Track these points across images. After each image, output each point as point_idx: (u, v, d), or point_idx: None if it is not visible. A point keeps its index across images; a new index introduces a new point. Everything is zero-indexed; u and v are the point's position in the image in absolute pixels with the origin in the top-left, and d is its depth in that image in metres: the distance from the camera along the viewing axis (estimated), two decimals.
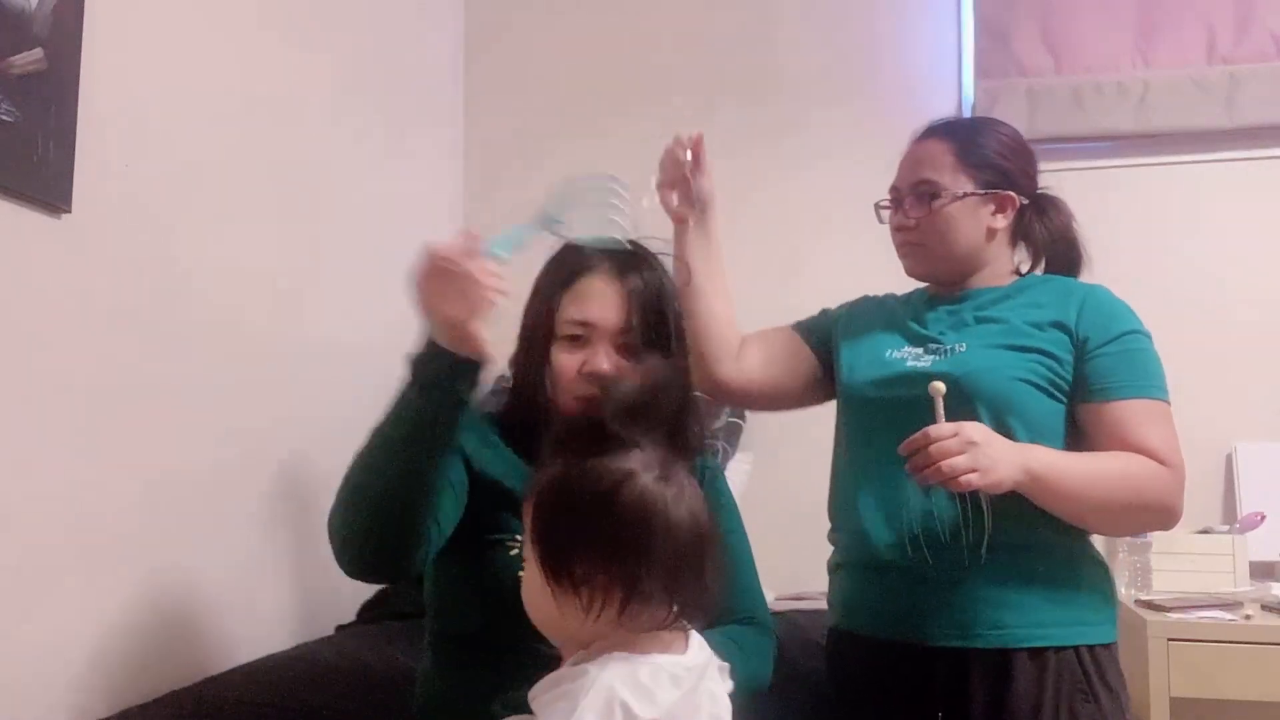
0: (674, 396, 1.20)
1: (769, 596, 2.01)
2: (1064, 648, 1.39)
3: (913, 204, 1.51)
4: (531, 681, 0.94)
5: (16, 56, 1.31)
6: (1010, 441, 1.34)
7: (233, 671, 1.63)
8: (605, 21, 2.85)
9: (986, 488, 1.28)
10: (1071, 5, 2.59)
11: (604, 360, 1.25)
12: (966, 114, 2.62)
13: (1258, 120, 2.48)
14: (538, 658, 0.99)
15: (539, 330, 1.29)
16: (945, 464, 1.25)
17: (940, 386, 1.31)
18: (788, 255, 2.68)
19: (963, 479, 1.26)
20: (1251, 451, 2.43)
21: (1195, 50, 2.52)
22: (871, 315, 1.64)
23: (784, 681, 1.36)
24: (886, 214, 1.59)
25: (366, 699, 1.55)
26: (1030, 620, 1.39)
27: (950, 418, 1.31)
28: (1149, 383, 1.43)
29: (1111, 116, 2.55)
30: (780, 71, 2.74)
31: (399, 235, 2.48)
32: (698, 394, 1.49)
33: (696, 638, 0.99)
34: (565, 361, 1.27)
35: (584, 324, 1.27)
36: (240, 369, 1.79)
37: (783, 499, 2.26)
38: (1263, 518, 2.30)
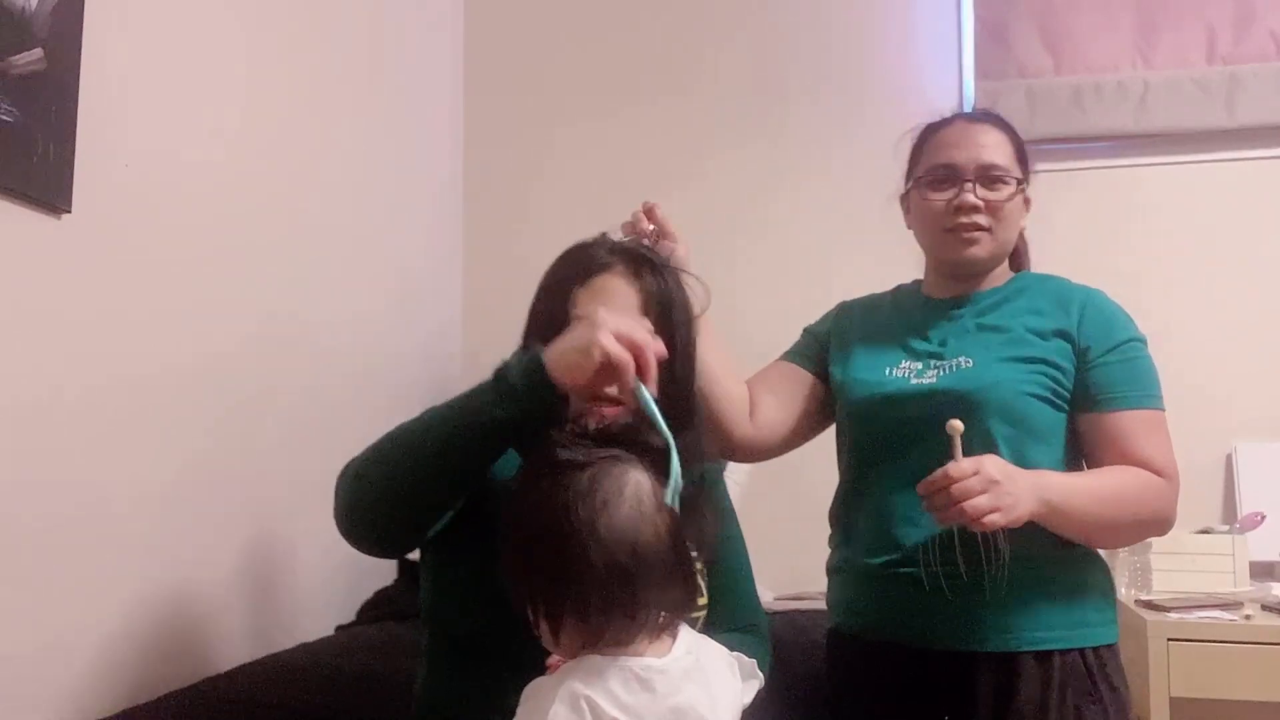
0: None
1: (769, 596, 2.01)
2: (1069, 649, 1.39)
3: (985, 187, 1.46)
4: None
5: (16, 56, 1.31)
6: (1026, 472, 1.32)
7: (233, 671, 1.63)
8: (605, 32, 2.85)
9: (1008, 525, 1.27)
10: (1071, 5, 2.59)
11: None
12: None
13: (1258, 120, 2.48)
14: (535, 664, 1.00)
15: (551, 327, 1.27)
16: (968, 505, 1.24)
17: (958, 425, 1.28)
18: (786, 256, 2.68)
19: (986, 519, 1.24)
20: (1251, 451, 2.43)
21: (1195, 50, 2.52)
22: (862, 326, 1.62)
23: (784, 681, 1.36)
24: (920, 192, 1.51)
25: (366, 699, 1.54)
26: (1036, 624, 1.39)
27: (964, 433, 1.29)
28: (1148, 392, 1.44)
29: (1111, 116, 2.55)
30: (780, 72, 2.74)
31: (401, 232, 2.48)
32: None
33: (686, 641, 0.99)
34: None
35: None
36: (241, 370, 1.79)
37: (782, 499, 2.26)
38: (1263, 518, 2.30)
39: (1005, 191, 1.46)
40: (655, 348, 1.09)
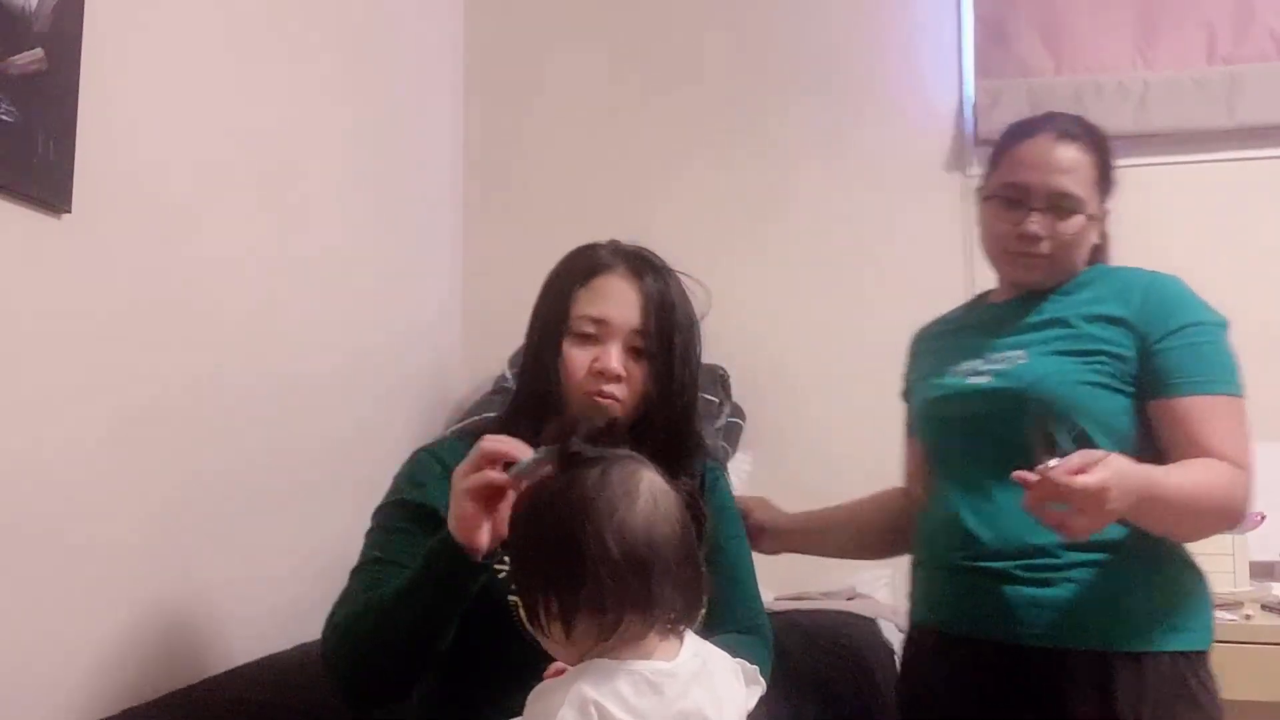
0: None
1: (769, 596, 2.01)
2: (1164, 652, 1.34)
3: (1050, 216, 1.43)
4: (528, 689, 0.95)
5: (16, 56, 1.31)
6: (1135, 470, 1.25)
7: (233, 671, 1.63)
8: (604, 31, 2.85)
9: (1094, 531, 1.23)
10: (1071, 5, 2.59)
11: (615, 359, 1.25)
12: (967, 114, 2.63)
13: (1258, 120, 2.48)
14: (535, 667, 1.00)
15: (552, 325, 1.29)
16: (1068, 522, 1.19)
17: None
18: (784, 253, 2.68)
19: (1075, 532, 1.21)
20: (1252, 452, 2.42)
21: (1195, 50, 2.52)
22: (932, 340, 1.63)
23: (785, 681, 1.36)
24: (989, 207, 1.49)
25: None
26: (1130, 623, 1.35)
27: (1022, 429, 1.27)
28: (1215, 376, 1.39)
29: (1111, 116, 2.53)
30: (780, 71, 2.74)
31: (401, 233, 2.48)
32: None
33: (692, 645, 0.99)
34: (577, 357, 1.26)
35: (599, 321, 1.26)
36: (241, 370, 1.79)
37: (783, 499, 2.25)
38: (1263, 518, 2.29)
39: (1073, 223, 1.43)
40: (501, 446, 1.06)
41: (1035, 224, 1.42)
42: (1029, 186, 1.44)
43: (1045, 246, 1.43)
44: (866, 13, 2.72)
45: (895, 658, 2.04)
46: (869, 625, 2.07)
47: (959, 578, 1.43)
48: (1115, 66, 2.55)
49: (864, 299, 2.59)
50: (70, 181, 1.40)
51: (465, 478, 1.07)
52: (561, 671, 0.96)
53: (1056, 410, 1.36)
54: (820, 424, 2.51)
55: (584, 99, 2.82)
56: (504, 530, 1.08)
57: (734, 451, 2.44)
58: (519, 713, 0.95)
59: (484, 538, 1.07)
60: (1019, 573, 1.36)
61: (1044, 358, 1.41)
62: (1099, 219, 1.48)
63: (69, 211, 1.41)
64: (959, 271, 2.52)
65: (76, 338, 1.43)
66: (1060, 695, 1.34)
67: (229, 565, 1.75)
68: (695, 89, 2.77)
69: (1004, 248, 1.48)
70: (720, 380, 2.46)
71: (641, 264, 1.30)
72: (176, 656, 1.61)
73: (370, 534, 1.28)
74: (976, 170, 2.61)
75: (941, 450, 1.50)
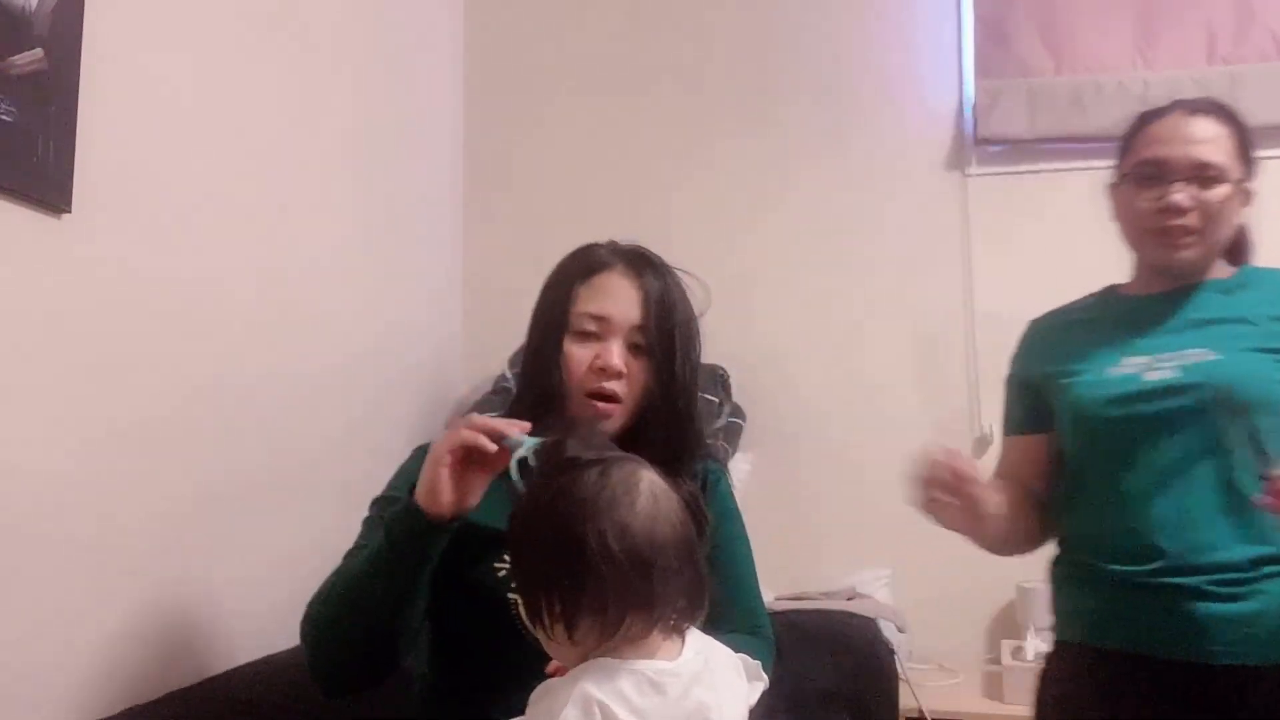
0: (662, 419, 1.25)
1: (769, 596, 2.02)
2: None
3: (1196, 187, 1.37)
4: (528, 686, 0.95)
5: (16, 56, 1.31)
6: None
7: (233, 671, 1.63)
8: (605, 30, 2.85)
9: None
10: (1071, 5, 2.59)
11: (616, 355, 1.25)
12: (967, 114, 2.63)
13: (1258, 120, 2.44)
14: (534, 664, 1.00)
15: (553, 323, 1.29)
16: None
17: None
18: (785, 255, 2.68)
19: None
20: None
21: (1195, 50, 2.52)
22: (1065, 332, 1.52)
23: (785, 681, 1.36)
24: (1127, 189, 1.43)
25: (366, 699, 1.54)
26: None
27: (1216, 428, 1.23)
28: None
29: (1111, 116, 2.54)
30: (780, 71, 2.74)
31: (401, 233, 2.48)
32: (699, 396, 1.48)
33: (695, 643, 0.99)
34: (578, 354, 1.27)
35: (600, 318, 1.27)
36: (241, 370, 1.79)
37: (783, 499, 2.26)
38: None
39: (1219, 192, 1.37)
40: (489, 423, 1.09)
41: (1180, 193, 1.36)
42: (1167, 160, 1.39)
43: (1193, 219, 1.37)
44: (866, 13, 2.73)
45: (895, 657, 2.05)
46: (869, 625, 2.07)
47: (1135, 594, 1.34)
48: (1115, 66, 2.55)
49: (864, 299, 2.59)
50: (70, 181, 1.40)
51: (447, 441, 1.09)
52: (563, 669, 0.96)
53: (1262, 410, 1.29)
54: (820, 425, 2.52)
55: (584, 99, 2.82)
56: (470, 501, 1.11)
57: (734, 451, 2.44)
58: (521, 711, 0.95)
59: (448, 506, 1.09)
60: (1210, 588, 1.29)
61: (1240, 355, 1.33)
62: (1245, 192, 1.40)
63: (69, 211, 1.41)
64: (959, 271, 2.53)
65: (76, 338, 1.43)
66: (1248, 712, 1.28)
67: (229, 565, 1.75)
68: (695, 89, 2.77)
69: (1146, 226, 1.41)
70: (720, 380, 2.47)
71: (641, 262, 1.31)
72: (176, 656, 1.61)
73: (364, 522, 1.31)
74: (976, 170, 2.62)
75: (1107, 450, 1.40)
